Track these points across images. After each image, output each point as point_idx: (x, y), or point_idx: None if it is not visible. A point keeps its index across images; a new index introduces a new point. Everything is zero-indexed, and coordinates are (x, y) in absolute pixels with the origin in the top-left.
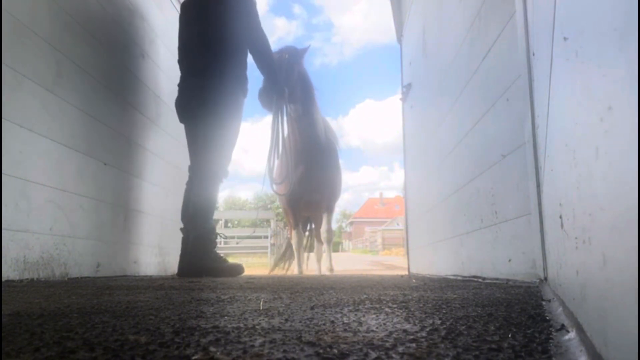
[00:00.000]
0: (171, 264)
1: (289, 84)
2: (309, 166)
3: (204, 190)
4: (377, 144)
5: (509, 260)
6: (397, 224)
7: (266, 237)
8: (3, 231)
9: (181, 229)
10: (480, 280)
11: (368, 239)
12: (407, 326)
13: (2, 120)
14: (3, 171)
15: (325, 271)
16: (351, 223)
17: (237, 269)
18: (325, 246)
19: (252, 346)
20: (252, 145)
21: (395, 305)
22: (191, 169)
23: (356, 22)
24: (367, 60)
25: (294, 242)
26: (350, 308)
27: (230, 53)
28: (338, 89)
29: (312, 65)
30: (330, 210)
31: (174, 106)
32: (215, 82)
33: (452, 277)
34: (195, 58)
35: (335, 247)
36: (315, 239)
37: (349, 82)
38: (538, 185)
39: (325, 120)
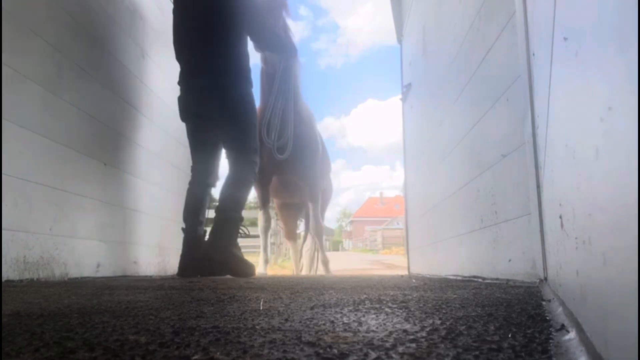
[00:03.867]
0: (171, 264)
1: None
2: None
3: (237, 191)
4: (379, 144)
5: (509, 260)
6: (397, 223)
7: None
8: (3, 231)
9: (183, 229)
10: (480, 280)
11: (368, 238)
12: (407, 326)
13: (2, 120)
14: (3, 171)
15: (318, 270)
16: (351, 222)
17: (252, 269)
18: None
19: (252, 346)
20: None
21: (395, 305)
22: (196, 170)
23: (361, 24)
24: (372, 61)
25: (259, 224)
26: (350, 308)
27: (233, 44)
28: (342, 89)
29: (318, 66)
30: (313, 199)
31: (179, 106)
32: (227, 81)
33: (452, 277)
34: (198, 53)
35: (336, 246)
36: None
37: (352, 82)
38: (538, 185)
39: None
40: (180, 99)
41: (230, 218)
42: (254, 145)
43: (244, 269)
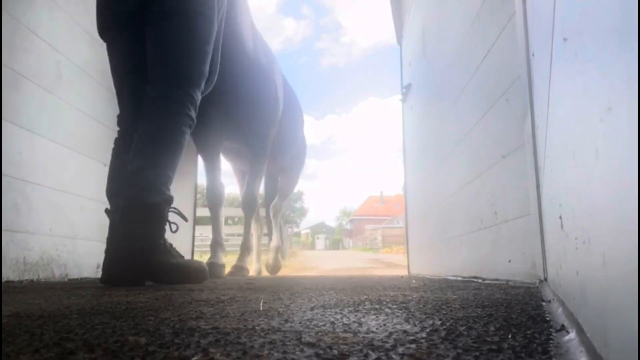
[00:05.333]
0: None
1: None
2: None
3: (154, 154)
4: (379, 142)
5: (509, 261)
6: (397, 222)
7: (265, 234)
8: (3, 232)
9: (106, 211)
10: (480, 280)
11: (368, 236)
12: (407, 327)
13: (2, 120)
14: (3, 172)
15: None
16: (351, 221)
17: (201, 272)
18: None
19: (252, 347)
20: None
21: (395, 306)
22: (127, 116)
23: (364, 23)
24: (374, 60)
25: (207, 197)
26: (350, 309)
27: None
28: (343, 87)
29: (319, 65)
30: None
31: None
32: None
33: (452, 278)
34: None
35: (336, 244)
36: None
37: (354, 81)
38: (538, 186)
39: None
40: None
41: (142, 203)
42: (199, 70)
43: (173, 276)
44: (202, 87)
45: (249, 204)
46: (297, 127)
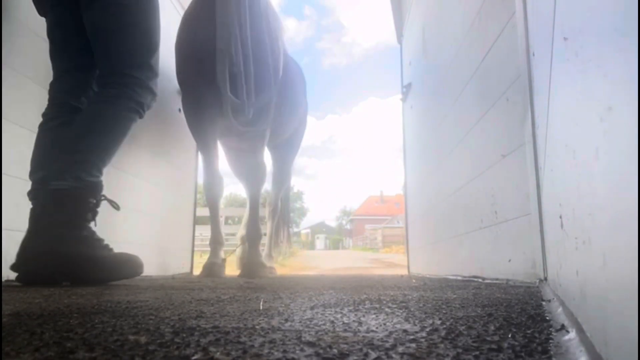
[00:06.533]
0: (171, 264)
1: None
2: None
3: (89, 134)
4: (379, 141)
5: (509, 261)
6: (397, 222)
7: (264, 234)
8: (3, 231)
9: (29, 194)
10: (480, 280)
11: (368, 236)
12: (407, 326)
13: (2, 120)
14: (3, 171)
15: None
16: (351, 220)
17: (130, 266)
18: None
19: (252, 346)
20: None
21: (395, 306)
22: (58, 84)
23: (366, 23)
24: (375, 60)
25: (204, 189)
26: (350, 308)
27: None
28: (344, 87)
29: (321, 65)
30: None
31: None
32: None
33: (452, 277)
34: None
35: (336, 244)
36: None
37: (354, 81)
38: (538, 185)
39: None
40: None
41: (48, 189)
42: (147, 58)
43: (95, 273)
44: (156, 65)
45: (255, 176)
46: (297, 100)
